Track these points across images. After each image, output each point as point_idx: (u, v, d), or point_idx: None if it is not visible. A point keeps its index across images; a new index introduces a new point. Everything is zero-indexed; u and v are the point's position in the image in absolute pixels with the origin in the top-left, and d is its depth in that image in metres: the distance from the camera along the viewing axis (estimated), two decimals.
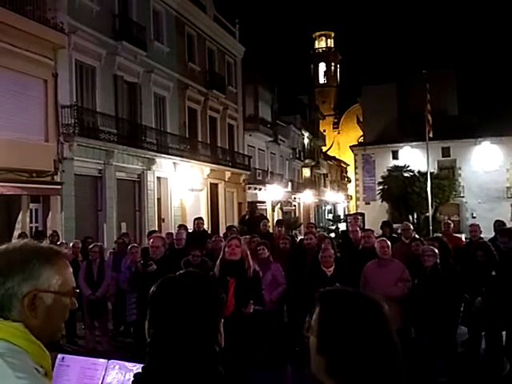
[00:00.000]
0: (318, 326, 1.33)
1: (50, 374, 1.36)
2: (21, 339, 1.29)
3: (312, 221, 38.59)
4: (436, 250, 6.18)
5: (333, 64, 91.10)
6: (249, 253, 5.65)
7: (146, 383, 1.33)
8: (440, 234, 9.92)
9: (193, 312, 1.36)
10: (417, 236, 9.11)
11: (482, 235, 9.03)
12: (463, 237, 14.68)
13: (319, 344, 1.31)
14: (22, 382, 1.17)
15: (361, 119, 54.31)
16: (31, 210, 15.80)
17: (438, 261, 6.15)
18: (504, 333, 6.45)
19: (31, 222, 15.72)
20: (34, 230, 15.47)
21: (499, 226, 9.14)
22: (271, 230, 11.99)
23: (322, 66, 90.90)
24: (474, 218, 36.34)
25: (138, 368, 2.03)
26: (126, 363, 2.05)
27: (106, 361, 2.06)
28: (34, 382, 1.20)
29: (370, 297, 1.37)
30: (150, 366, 1.35)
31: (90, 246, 8.71)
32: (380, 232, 9.33)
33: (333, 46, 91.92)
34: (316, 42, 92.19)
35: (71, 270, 1.47)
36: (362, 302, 1.34)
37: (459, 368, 6.40)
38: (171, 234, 10.54)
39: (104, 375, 2.02)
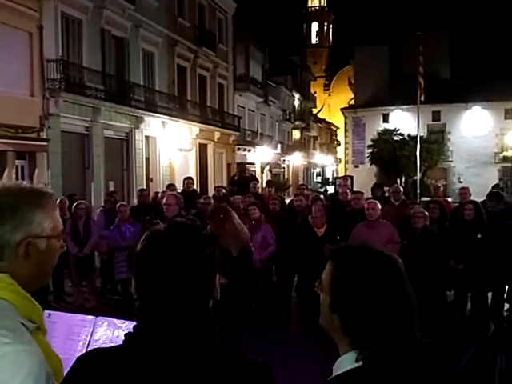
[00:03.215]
0: (331, 282, 1.29)
1: (43, 327, 1.27)
2: (7, 291, 1.19)
3: (301, 183, 38.69)
4: (426, 213, 6.22)
5: (325, 24, 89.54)
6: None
7: (138, 343, 1.26)
8: (428, 198, 9.96)
9: (184, 271, 1.25)
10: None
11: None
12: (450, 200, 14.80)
13: (332, 301, 1.28)
14: (4, 341, 1.08)
15: (352, 81, 53.82)
16: (17, 167, 15.59)
17: (428, 223, 6.20)
18: (490, 294, 6.55)
19: (17, 178, 15.49)
20: None
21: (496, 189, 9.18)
22: (260, 192, 12.01)
23: (315, 26, 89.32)
24: (461, 182, 36.61)
25: (127, 325, 1.97)
26: (115, 320, 1.99)
27: (94, 317, 2.00)
28: (17, 340, 1.10)
29: (386, 253, 1.33)
30: (141, 327, 1.27)
31: (76, 204, 8.55)
32: (370, 194, 9.34)
33: (326, 5, 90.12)
34: (309, 1, 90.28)
35: (58, 210, 1.40)
36: (378, 258, 1.30)
37: (445, 329, 6.50)
38: (158, 193, 10.52)
39: (92, 332, 1.97)
